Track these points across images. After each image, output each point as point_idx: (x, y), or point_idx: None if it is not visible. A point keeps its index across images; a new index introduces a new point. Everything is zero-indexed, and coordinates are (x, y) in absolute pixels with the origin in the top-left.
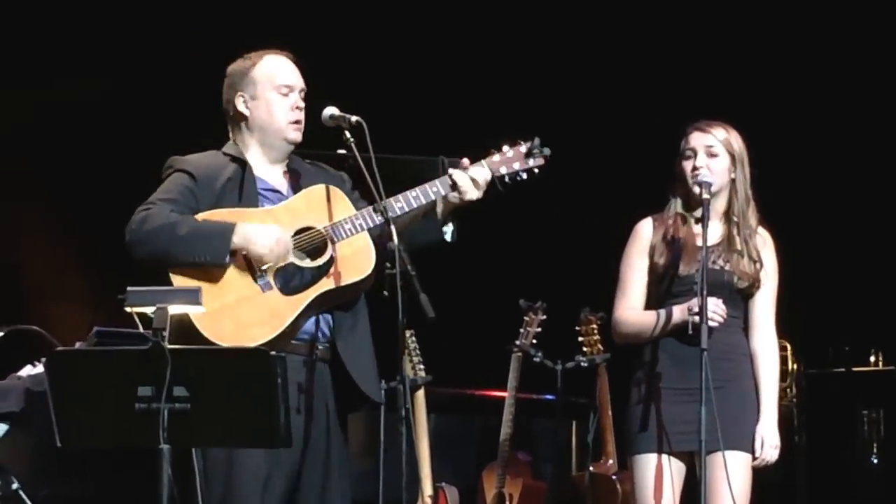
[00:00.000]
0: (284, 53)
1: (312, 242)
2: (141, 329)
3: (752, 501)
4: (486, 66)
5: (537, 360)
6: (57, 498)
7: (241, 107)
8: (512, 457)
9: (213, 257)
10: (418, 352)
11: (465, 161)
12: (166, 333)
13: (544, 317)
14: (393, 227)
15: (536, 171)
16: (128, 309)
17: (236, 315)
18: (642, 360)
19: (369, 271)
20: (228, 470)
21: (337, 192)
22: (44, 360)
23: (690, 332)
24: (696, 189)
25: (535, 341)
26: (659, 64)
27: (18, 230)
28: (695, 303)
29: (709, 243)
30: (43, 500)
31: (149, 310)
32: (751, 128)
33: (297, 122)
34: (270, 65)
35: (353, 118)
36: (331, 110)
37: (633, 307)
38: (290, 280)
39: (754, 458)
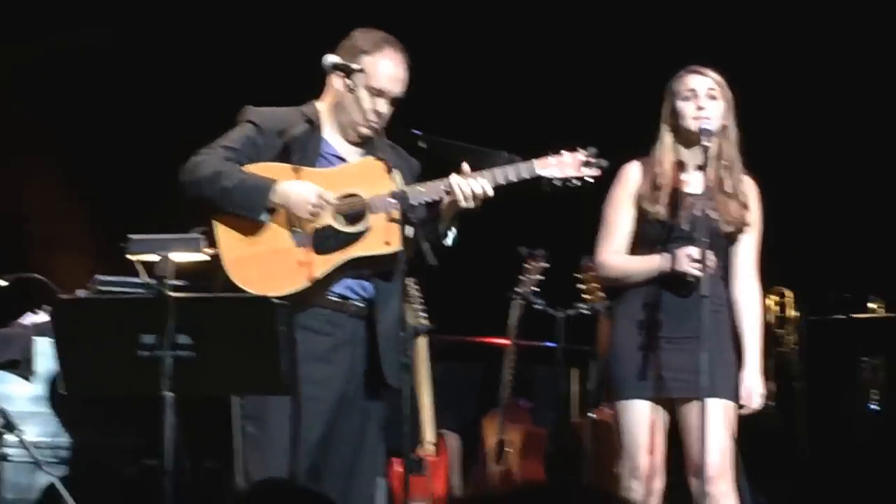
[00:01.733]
0: (400, 55)
1: (354, 208)
2: (144, 277)
3: (750, 448)
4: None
5: (538, 307)
6: (59, 445)
7: (336, 77)
8: (513, 404)
9: (250, 212)
10: (420, 299)
11: (466, 167)
12: (169, 281)
13: (545, 264)
14: (397, 174)
15: (590, 180)
16: (129, 257)
17: (266, 264)
18: (626, 306)
19: (397, 247)
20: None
21: (385, 169)
22: (49, 308)
23: (690, 279)
24: (697, 131)
25: (536, 289)
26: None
27: (22, 180)
28: (691, 250)
29: (694, 191)
30: (46, 447)
31: (150, 257)
32: (748, 73)
33: (370, 125)
34: (381, 63)
35: (356, 66)
36: (332, 59)
37: (616, 251)
38: (326, 240)
39: (740, 407)
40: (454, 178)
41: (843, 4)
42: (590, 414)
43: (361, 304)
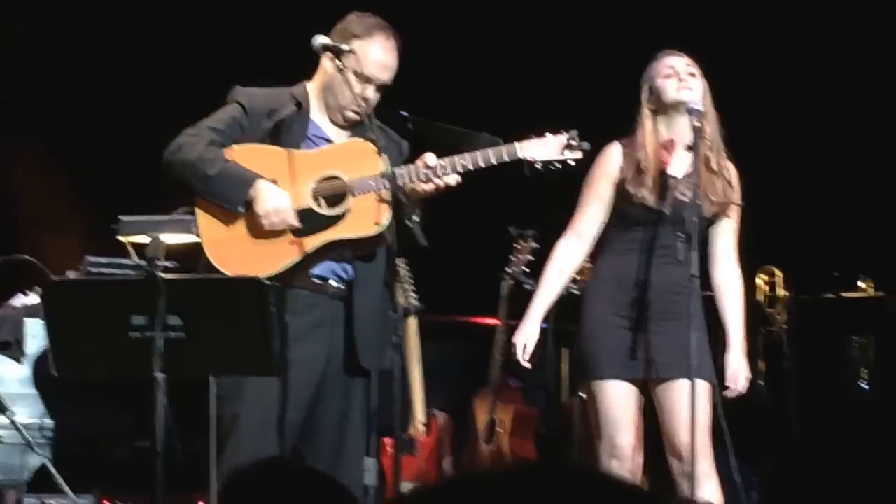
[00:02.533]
0: (392, 42)
1: (335, 191)
2: (135, 258)
3: (740, 427)
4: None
5: (528, 287)
6: (50, 427)
7: (326, 60)
8: (503, 384)
9: (228, 204)
10: (411, 279)
11: (427, 156)
12: (160, 262)
13: (535, 244)
14: (385, 157)
15: (572, 163)
16: (120, 238)
17: (244, 247)
18: (600, 284)
19: (377, 230)
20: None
21: (373, 151)
22: (39, 289)
23: (680, 258)
24: (682, 102)
25: (526, 268)
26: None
27: (12, 160)
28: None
29: (676, 174)
30: (37, 429)
31: (141, 238)
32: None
33: (356, 110)
34: (370, 49)
35: (345, 47)
36: (321, 39)
37: (578, 242)
38: (306, 223)
39: (725, 389)
40: (422, 163)
41: None
42: (580, 394)
43: (342, 286)
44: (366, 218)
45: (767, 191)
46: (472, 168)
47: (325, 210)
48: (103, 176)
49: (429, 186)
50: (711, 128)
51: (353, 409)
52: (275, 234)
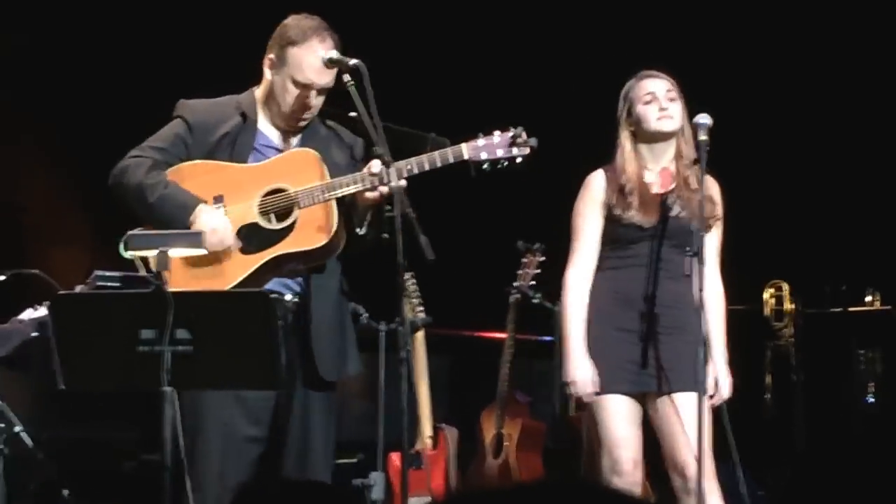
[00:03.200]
0: (327, 43)
1: (279, 204)
2: (143, 272)
3: (747, 439)
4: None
5: (536, 301)
6: (58, 441)
7: (266, 68)
8: (511, 398)
9: (171, 228)
10: (418, 294)
11: (372, 163)
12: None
13: (542, 258)
14: (392, 169)
15: (519, 160)
16: (128, 253)
17: (192, 267)
18: (595, 301)
19: (324, 241)
20: (198, 414)
21: (317, 160)
22: (47, 303)
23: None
24: (669, 127)
25: (533, 282)
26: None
27: (19, 173)
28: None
29: (660, 191)
30: (44, 442)
31: (149, 253)
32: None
33: (301, 117)
34: (304, 55)
35: (352, 61)
36: (330, 53)
37: (582, 271)
38: (253, 239)
39: (711, 398)
40: (368, 171)
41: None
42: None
43: (296, 300)
44: (312, 230)
45: (774, 205)
46: (417, 172)
47: (271, 224)
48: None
49: (374, 194)
50: (687, 147)
51: (314, 423)
52: (223, 252)
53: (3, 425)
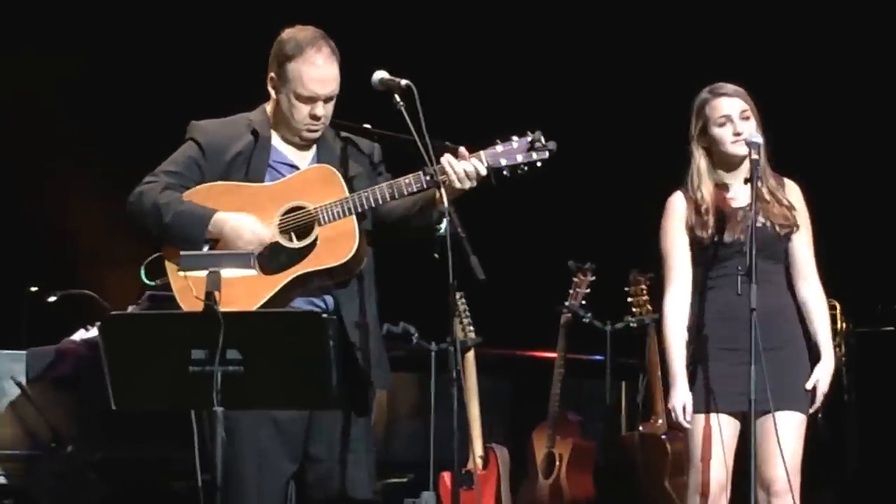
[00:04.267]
0: (324, 52)
1: (300, 222)
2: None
3: (803, 461)
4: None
5: (586, 320)
6: (109, 461)
7: (270, 86)
8: (562, 417)
9: (193, 245)
10: (468, 313)
11: (463, 150)
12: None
13: (593, 277)
14: (444, 190)
15: (539, 164)
16: (180, 273)
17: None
18: (697, 322)
19: (347, 258)
20: (232, 438)
21: (335, 175)
22: (98, 324)
23: (738, 293)
24: (744, 150)
25: (584, 302)
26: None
27: (71, 195)
28: (677, 404)
29: (742, 205)
30: (96, 463)
31: (202, 274)
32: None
33: (312, 129)
34: (303, 68)
35: (404, 82)
36: (380, 74)
37: (680, 293)
38: (274, 259)
39: (811, 405)
40: (448, 160)
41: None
42: (638, 427)
43: (332, 318)
44: (334, 246)
45: (824, 222)
46: (415, 189)
47: (292, 243)
48: None
49: (464, 181)
50: (762, 162)
51: (351, 440)
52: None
53: (55, 445)
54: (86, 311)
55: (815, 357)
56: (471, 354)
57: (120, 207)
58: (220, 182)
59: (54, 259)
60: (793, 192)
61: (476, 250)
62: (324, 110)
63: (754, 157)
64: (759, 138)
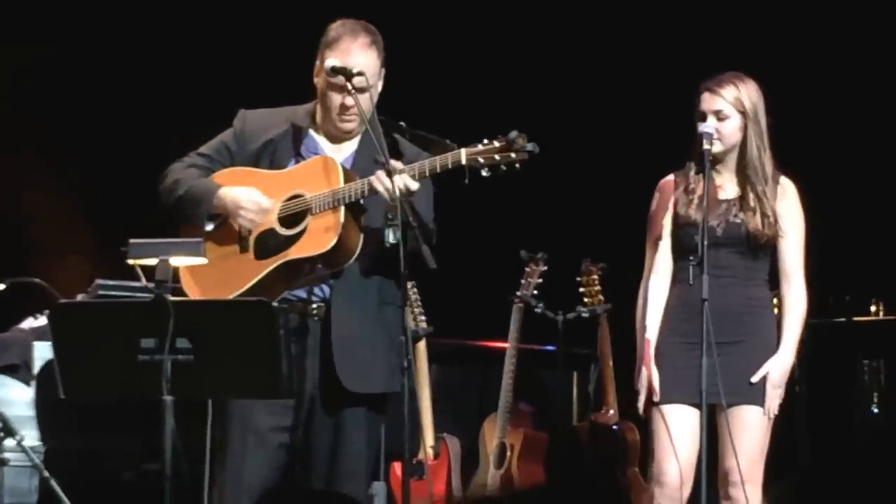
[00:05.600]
0: (359, 41)
1: (295, 210)
2: (143, 281)
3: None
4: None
5: (539, 310)
6: (59, 451)
7: (315, 76)
8: (513, 407)
9: (195, 220)
10: (420, 303)
11: (397, 164)
12: (168, 285)
13: (545, 267)
14: (396, 178)
15: (518, 165)
16: (129, 261)
17: (210, 273)
18: (665, 313)
19: (331, 245)
20: (224, 421)
21: (336, 166)
22: (47, 312)
23: (691, 282)
24: (713, 148)
25: (536, 292)
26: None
27: (22, 184)
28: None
29: (728, 197)
30: (48, 452)
31: (150, 262)
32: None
33: (345, 119)
34: (337, 55)
35: (355, 70)
36: (332, 61)
37: (660, 278)
38: (267, 245)
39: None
40: (377, 177)
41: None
42: (590, 417)
43: (322, 308)
44: (320, 234)
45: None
46: (418, 177)
47: (285, 230)
48: (113, 199)
49: (377, 184)
50: (752, 160)
51: (345, 436)
52: (241, 257)
53: (3, 434)
54: (35, 299)
55: None
56: (422, 344)
57: (69, 195)
58: (241, 167)
59: (3, 247)
60: (786, 193)
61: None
62: (351, 101)
63: (706, 146)
64: (710, 129)
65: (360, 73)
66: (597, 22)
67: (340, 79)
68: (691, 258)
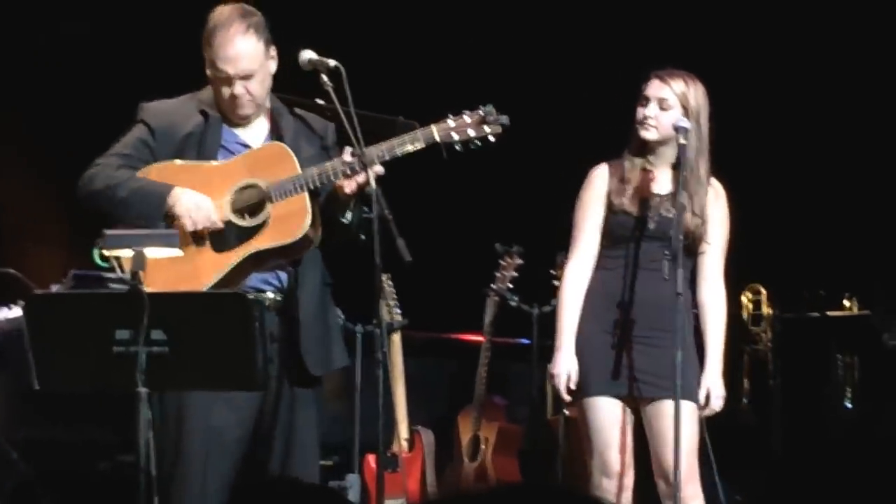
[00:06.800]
0: (233, 31)
1: (252, 200)
2: (119, 273)
3: (725, 445)
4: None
5: (513, 303)
6: (32, 441)
7: (206, 68)
8: (487, 400)
9: (149, 221)
10: (395, 295)
11: (345, 151)
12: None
13: (520, 261)
14: (371, 171)
15: (492, 139)
16: (104, 252)
17: (168, 269)
18: (588, 301)
19: (300, 235)
20: (180, 419)
21: (287, 153)
22: (21, 302)
23: (666, 277)
24: (650, 135)
25: (511, 285)
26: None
27: None
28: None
29: (661, 192)
30: (19, 443)
31: (125, 253)
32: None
33: (242, 108)
34: (214, 48)
35: (332, 63)
36: (308, 54)
37: (582, 263)
38: (227, 237)
39: (701, 408)
40: (339, 160)
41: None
42: (564, 411)
43: (278, 297)
44: (287, 224)
45: (752, 209)
46: (388, 158)
47: (244, 221)
48: None
49: (351, 185)
50: (689, 159)
51: (301, 419)
52: (197, 252)
53: None
54: (9, 289)
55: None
56: (397, 337)
57: (44, 185)
58: (174, 161)
59: None
60: (717, 197)
61: (402, 232)
62: (243, 89)
63: (682, 141)
64: (686, 123)
65: (245, 77)
66: (570, 12)
67: (222, 71)
68: (666, 252)
